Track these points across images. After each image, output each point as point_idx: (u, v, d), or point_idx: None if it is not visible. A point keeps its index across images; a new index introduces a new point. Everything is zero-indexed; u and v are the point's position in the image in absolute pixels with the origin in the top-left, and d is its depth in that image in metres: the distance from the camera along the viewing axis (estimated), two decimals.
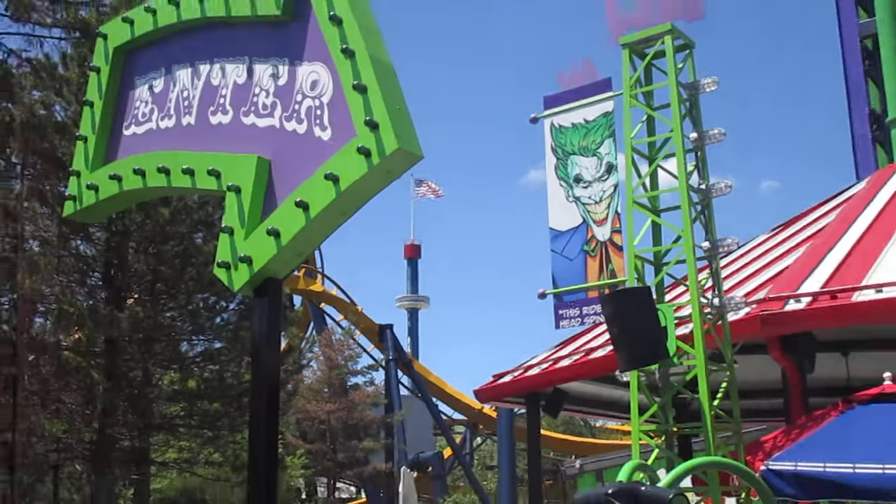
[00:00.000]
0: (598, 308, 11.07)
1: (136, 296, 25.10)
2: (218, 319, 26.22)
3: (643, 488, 5.71)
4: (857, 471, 9.16)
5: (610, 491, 5.72)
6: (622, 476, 6.59)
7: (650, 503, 5.52)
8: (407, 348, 60.78)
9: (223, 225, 7.06)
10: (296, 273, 48.02)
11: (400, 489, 16.84)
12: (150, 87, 8.26)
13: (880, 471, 9.03)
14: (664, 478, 7.22)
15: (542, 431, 43.30)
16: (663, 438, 11.09)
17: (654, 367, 10.54)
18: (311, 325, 50.73)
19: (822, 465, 9.39)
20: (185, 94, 7.93)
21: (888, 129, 21.84)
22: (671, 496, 5.41)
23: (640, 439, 10.90)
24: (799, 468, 9.50)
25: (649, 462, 10.05)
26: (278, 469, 6.88)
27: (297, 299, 50.87)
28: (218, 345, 26.63)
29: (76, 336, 22.38)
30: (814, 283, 13.46)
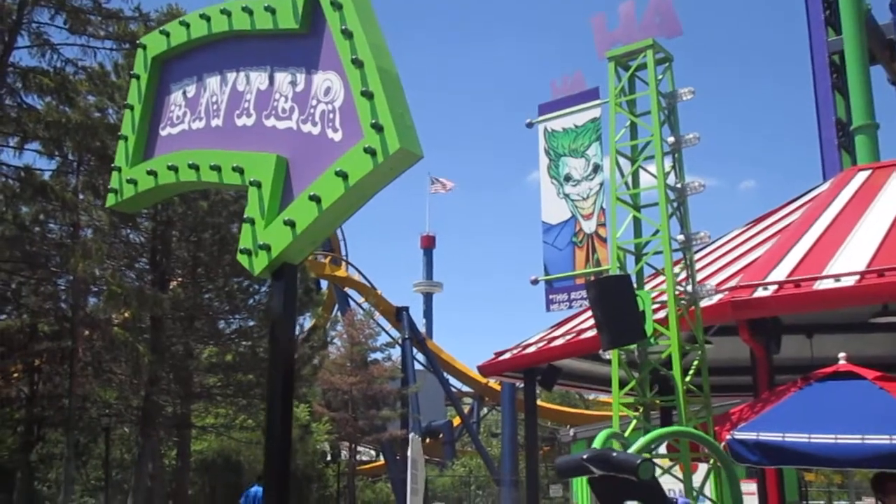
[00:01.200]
0: (584, 293, 11.08)
1: (178, 279, 25.25)
2: (251, 300, 26.38)
3: (614, 454, 5.70)
4: (812, 440, 9.14)
5: (585, 456, 5.73)
6: (597, 443, 6.58)
7: (620, 467, 5.51)
8: (422, 328, 60.82)
9: (245, 216, 7.07)
10: (323, 260, 48.14)
11: (409, 453, 16.85)
12: (184, 93, 8.26)
13: (832, 441, 9.01)
14: (635, 444, 7.22)
15: (541, 403, 43.34)
16: (642, 410, 11.08)
17: (633, 346, 10.54)
18: (336, 306, 50.86)
19: (781, 434, 9.36)
20: (214, 98, 7.92)
21: (852, 136, 21.76)
22: (639, 461, 5.40)
23: (619, 411, 10.90)
24: (761, 438, 9.47)
25: (627, 432, 10.07)
26: (291, 438, 6.90)
27: (324, 283, 51.06)
28: (251, 322, 26.80)
29: (125, 314, 22.51)
30: (780, 273, 13.39)
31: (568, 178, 11.61)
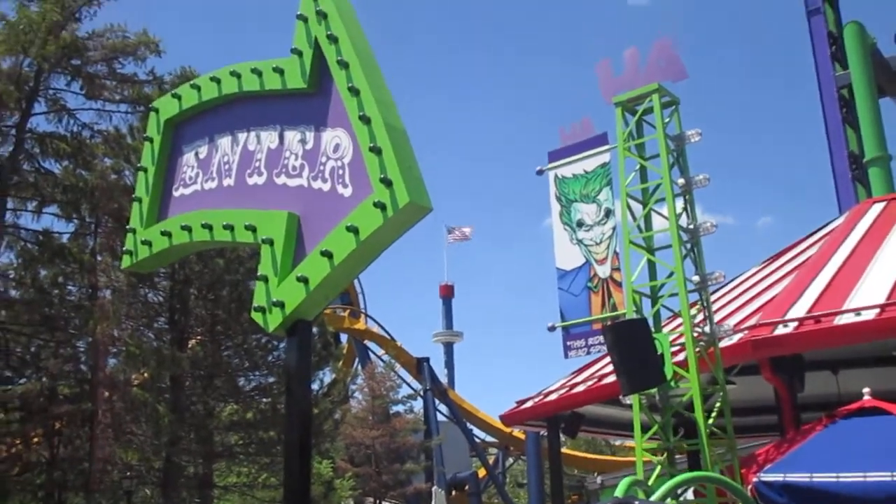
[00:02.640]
0: (601, 339, 11.07)
1: (197, 337, 25.35)
2: (270, 357, 26.39)
3: (637, 501, 5.69)
4: (841, 479, 9.05)
5: None
6: (619, 491, 6.56)
7: None
8: (444, 379, 60.57)
9: (259, 273, 7.17)
10: (342, 313, 48.21)
11: None
12: (196, 154, 8.42)
13: (862, 479, 8.92)
14: (658, 491, 7.18)
15: (567, 451, 42.94)
16: (666, 455, 11.00)
17: (654, 390, 10.50)
18: (356, 359, 50.78)
19: (808, 475, 9.27)
20: (226, 159, 8.07)
21: (865, 169, 21.75)
22: None
23: (644, 456, 10.82)
24: (788, 479, 9.38)
25: (651, 478, 9.98)
26: (310, 494, 6.88)
27: (344, 337, 51.06)
28: (271, 379, 26.77)
29: (144, 374, 22.59)
30: (800, 309, 13.35)
31: (580, 224, 11.67)
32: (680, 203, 10.82)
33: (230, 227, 7.56)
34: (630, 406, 11.48)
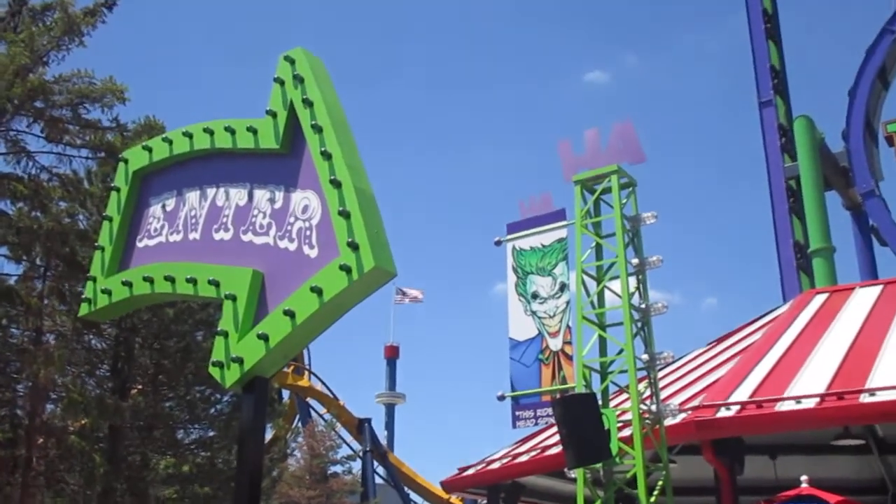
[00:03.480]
0: (550, 410, 11.16)
1: (139, 386, 24.88)
2: (212, 410, 25.94)
3: None
4: None
5: None
6: None
7: None
8: (384, 440, 59.94)
9: (219, 328, 7.18)
10: (286, 370, 47.61)
11: None
12: (163, 206, 8.46)
13: None
14: None
15: None
16: None
17: (599, 465, 10.59)
18: (297, 416, 50.10)
19: None
20: (193, 212, 8.12)
21: (809, 259, 22.40)
22: None
23: None
24: None
25: None
26: None
27: (286, 393, 50.36)
28: (211, 433, 26.27)
29: (82, 422, 22.05)
30: (743, 393, 13.60)
31: (535, 296, 11.86)
32: (633, 282, 11.06)
33: (193, 281, 7.59)
34: (573, 479, 11.56)
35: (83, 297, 8.66)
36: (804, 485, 10.75)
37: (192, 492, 25.76)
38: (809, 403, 12.64)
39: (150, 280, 7.99)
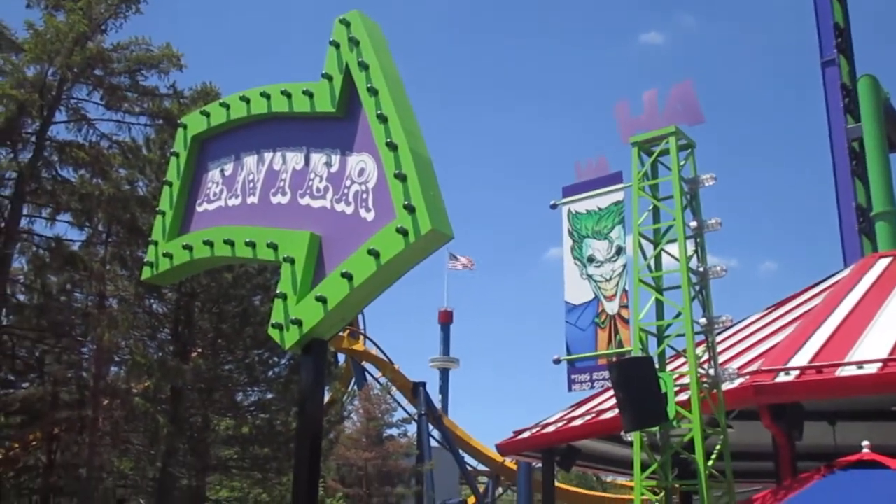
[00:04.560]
0: (606, 374, 11.10)
1: (199, 350, 25.37)
2: (270, 373, 26.40)
3: None
4: None
5: None
6: None
7: None
8: (438, 404, 60.36)
9: (278, 291, 7.26)
10: (341, 333, 48.12)
11: None
12: (222, 171, 8.55)
13: None
14: None
15: (558, 484, 42.70)
16: (663, 494, 11.00)
17: (655, 428, 10.52)
18: (353, 380, 50.69)
19: None
20: (251, 177, 8.19)
21: (872, 222, 21.84)
22: None
23: (641, 494, 10.83)
24: None
25: None
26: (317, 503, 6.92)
27: (342, 357, 50.97)
28: (270, 395, 26.76)
29: (145, 384, 22.59)
30: (802, 358, 13.39)
31: (591, 260, 11.75)
32: (691, 245, 10.90)
33: (252, 245, 7.67)
34: (628, 443, 11.51)
35: (145, 260, 8.81)
36: (865, 450, 10.56)
37: (252, 452, 26.31)
38: (871, 369, 12.40)
39: (210, 244, 8.10)
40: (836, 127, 24.93)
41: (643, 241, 11.29)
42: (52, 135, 20.02)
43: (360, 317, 54.91)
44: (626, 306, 11.28)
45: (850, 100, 25.03)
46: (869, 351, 12.97)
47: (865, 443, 10.71)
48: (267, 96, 8.10)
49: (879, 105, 22.62)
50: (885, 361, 12.43)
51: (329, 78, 7.56)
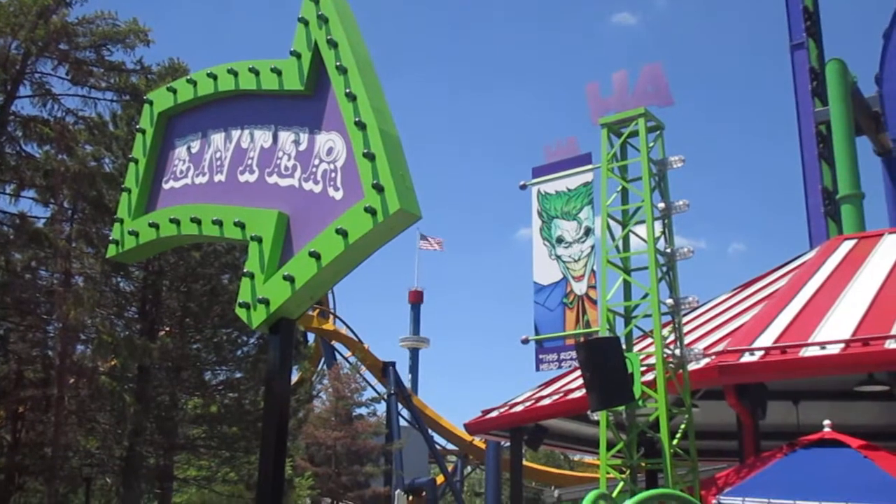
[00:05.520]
0: (573, 354, 11.18)
1: (167, 328, 25.22)
2: (239, 352, 26.33)
3: None
4: None
5: None
6: (586, 503, 6.66)
7: None
8: (408, 384, 60.53)
9: (245, 270, 7.22)
10: (311, 313, 48.03)
11: None
12: (188, 148, 8.47)
13: None
14: None
15: (526, 463, 43.05)
16: (629, 472, 11.13)
17: (622, 408, 10.63)
18: (323, 359, 50.67)
19: (766, 500, 9.45)
20: (218, 154, 8.13)
21: (838, 205, 22.11)
22: None
23: (607, 472, 10.95)
24: (746, 502, 9.55)
25: (614, 493, 10.11)
26: (284, 488, 6.92)
27: (311, 336, 50.92)
28: (238, 374, 26.70)
29: (112, 363, 22.43)
30: (767, 339, 13.55)
31: (560, 240, 11.81)
32: (659, 226, 10.98)
33: (219, 223, 7.63)
34: (595, 422, 11.62)
35: (110, 238, 8.73)
36: (826, 429, 10.74)
37: (220, 431, 26.27)
38: (834, 349, 12.58)
39: (176, 222, 8.04)
40: (804, 110, 25.19)
41: (611, 223, 11.36)
42: (15, 109, 19.71)
43: (330, 296, 54.85)
44: (594, 287, 11.36)
45: (819, 83, 25.27)
46: (832, 332, 13.16)
47: (827, 422, 10.90)
48: (235, 73, 8.03)
49: (847, 89, 22.84)
50: (847, 342, 12.62)
51: (297, 55, 7.51)
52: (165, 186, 8.49)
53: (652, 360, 10.85)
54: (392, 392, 46.05)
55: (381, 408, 43.81)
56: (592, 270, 11.46)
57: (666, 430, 10.30)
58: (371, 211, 6.52)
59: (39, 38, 18.92)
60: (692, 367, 11.80)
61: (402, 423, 48.35)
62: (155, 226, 8.22)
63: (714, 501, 9.67)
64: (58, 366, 20.29)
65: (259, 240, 7.21)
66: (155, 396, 24.06)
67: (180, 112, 8.65)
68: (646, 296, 10.87)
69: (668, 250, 10.97)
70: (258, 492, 7.10)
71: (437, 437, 52.75)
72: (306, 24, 7.46)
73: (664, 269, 10.98)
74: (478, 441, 48.08)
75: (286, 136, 7.61)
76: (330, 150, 7.15)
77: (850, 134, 22.41)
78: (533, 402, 17.64)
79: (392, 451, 41.01)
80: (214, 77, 8.20)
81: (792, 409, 15.95)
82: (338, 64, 7.06)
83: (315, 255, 6.80)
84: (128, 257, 8.99)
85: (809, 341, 13.04)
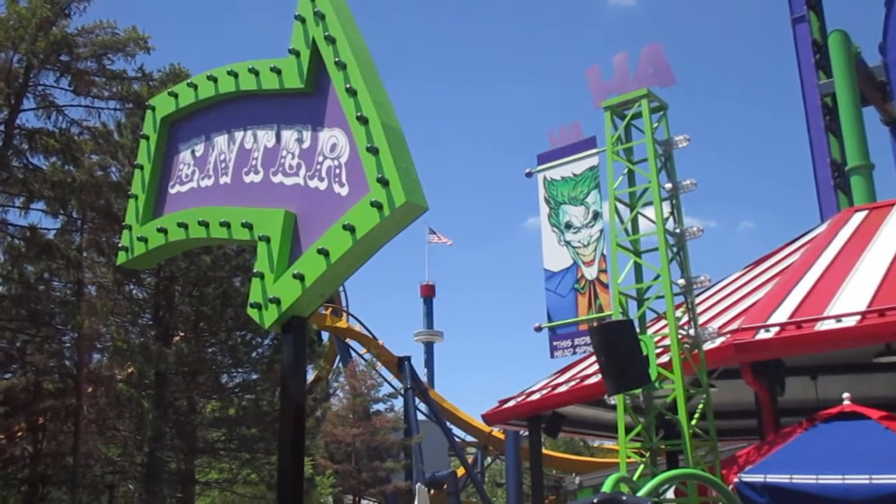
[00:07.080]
0: (587, 339, 11.17)
1: (181, 333, 25.34)
2: (254, 353, 26.42)
3: (624, 497, 5.76)
4: (820, 481, 9.18)
5: (595, 500, 5.77)
6: (606, 487, 6.65)
7: None
8: (424, 378, 60.61)
9: (255, 270, 7.23)
10: (324, 311, 48.15)
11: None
12: (192, 152, 8.48)
13: (840, 481, 9.06)
14: (644, 488, 7.28)
15: (545, 451, 43.11)
16: (649, 455, 11.11)
17: (638, 391, 10.61)
18: (338, 358, 50.78)
19: (788, 476, 9.40)
20: (223, 157, 8.13)
21: (847, 177, 22.03)
22: None
23: (627, 456, 10.94)
24: (768, 480, 9.52)
25: (635, 476, 10.10)
26: (304, 486, 6.93)
27: (325, 335, 51.05)
28: (254, 376, 26.81)
29: (129, 370, 22.55)
30: (782, 315, 13.49)
31: (568, 226, 11.78)
32: (667, 207, 10.93)
33: (227, 225, 7.64)
34: (613, 407, 11.60)
35: (119, 245, 8.75)
36: (846, 402, 10.70)
37: (239, 433, 26.39)
38: (850, 322, 12.51)
39: (184, 226, 8.05)
40: (808, 83, 25.07)
41: (619, 205, 11.31)
42: (21, 123, 19.81)
43: (342, 294, 54.99)
44: (604, 271, 11.33)
45: (822, 56, 25.14)
46: (847, 304, 13.09)
47: (846, 395, 10.85)
48: (234, 74, 8.03)
49: (851, 60, 22.73)
50: (863, 314, 12.54)
51: (296, 53, 7.50)
52: (172, 191, 8.50)
53: (667, 342, 10.82)
54: (408, 387, 46.07)
55: (399, 403, 43.90)
56: (602, 254, 11.43)
57: (684, 411, 10.28)
58: (377, 205, 6.51)
59: (40, 51, 19.01)
60: (707, 346, 11.77)
61: (420, 417, 48.43)
62: (163, 231, 8.24)
63: (736, 479, 9.64)
64: (75, 375, 20.43)
65: (267, 240, 7.21)
66: (173, 401, 24.19)
67: (183, 116, 8.66)
68: (657, 277, 10.83)
69: (678, 231, 10.93)
70: (279, 491, 7.11)
71: (455, 430, 52.84)
72: (303, 21, 7.45)
73: (674, 249, 10.94)
74: (497, 432, 48.14)
75: (289, 135, 7.61)
76: (333, 147, 7.14)
77: (857, 104, 22.32)
78: (550, 389, 17.62)
79: (411, 445, 41.09)
80: (215, 79, 8.20)
81: (810, 384, 15.88)
82: (336, 60, 7.05)
83: (324, 252, 6.80)
84: (138, 263, 9.01)
85: (825, 315, 12.97)
